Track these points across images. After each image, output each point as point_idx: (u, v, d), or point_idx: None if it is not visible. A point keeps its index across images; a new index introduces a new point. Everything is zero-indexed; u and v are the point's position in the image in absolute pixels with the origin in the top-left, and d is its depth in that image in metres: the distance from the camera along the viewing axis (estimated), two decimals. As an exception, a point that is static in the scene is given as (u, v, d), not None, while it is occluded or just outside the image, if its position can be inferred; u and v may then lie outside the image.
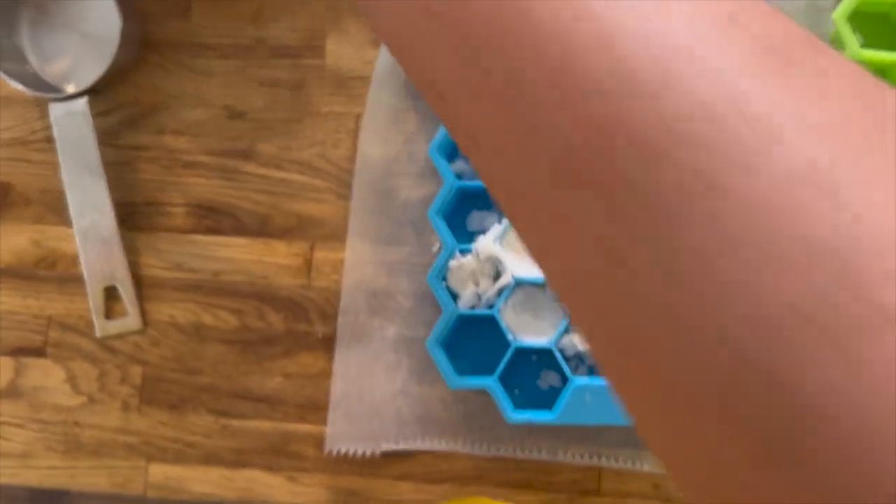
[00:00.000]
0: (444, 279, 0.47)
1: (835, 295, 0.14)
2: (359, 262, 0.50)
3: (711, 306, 0.14)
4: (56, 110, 0.50)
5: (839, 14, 0.46)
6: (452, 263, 0.47)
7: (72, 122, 0.49)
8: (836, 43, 0.48)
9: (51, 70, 0.52)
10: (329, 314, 0.50)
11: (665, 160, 0.15)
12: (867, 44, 0.47)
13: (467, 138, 0.18)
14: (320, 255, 0.50)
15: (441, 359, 0.46)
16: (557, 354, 0.45)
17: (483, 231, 0.48)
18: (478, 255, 0.47)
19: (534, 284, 0.46)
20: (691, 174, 0.15)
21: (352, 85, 0.51)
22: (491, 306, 0.47)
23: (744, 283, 0.14)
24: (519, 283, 0.46)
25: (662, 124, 0.15)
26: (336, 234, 0.50)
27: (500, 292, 0.46)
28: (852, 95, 0.15)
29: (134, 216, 0.51)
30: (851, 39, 0.46)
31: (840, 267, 0.14)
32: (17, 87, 0.49)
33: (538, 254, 0.18)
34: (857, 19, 0.47)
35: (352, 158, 0.51)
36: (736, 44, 0.15)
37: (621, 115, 0.15)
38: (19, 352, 0.51)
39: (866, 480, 0.13)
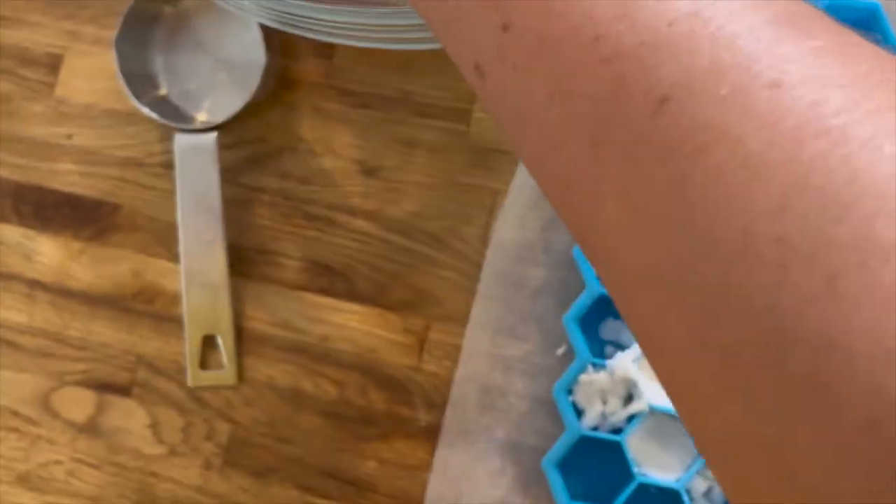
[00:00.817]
0: (570, 392, 0.43)
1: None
2: (476, 353, 0.46)
3: None
4: (181, 142, 0.46)
5: None
6: (583, 378, 0.43)
7: (196, 157, 0.46)
8: None
9: (181, 92, 0.49)
10: (435, 402, 0.46)
11: None
12: None
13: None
14: (435, 336, 0.47)
15: (556, 481, 0.42)
16: (685, 498, 0.41)
17: (616, 343, 0.45)
18: (612, 373, 0.43)
19: (667, 414, 0.42)
20: None
21: (494, 158, 0.48)
22: (616, 430, 0.43)
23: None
24: (652, 411, 0.42)
25: None
26: (454, 317, 0.47)
27: (629, 417, 0.43)
28: None
29: (243, 262, 0.48)
30: None
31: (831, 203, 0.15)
32: (149, 114, 0.46)
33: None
34: None
35: (483, 238, 0.47)
36: None
37: None
38: (104, 388, 0.48)
39: None
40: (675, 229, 0.16)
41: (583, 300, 0.43)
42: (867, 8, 0.43)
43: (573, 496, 0.43)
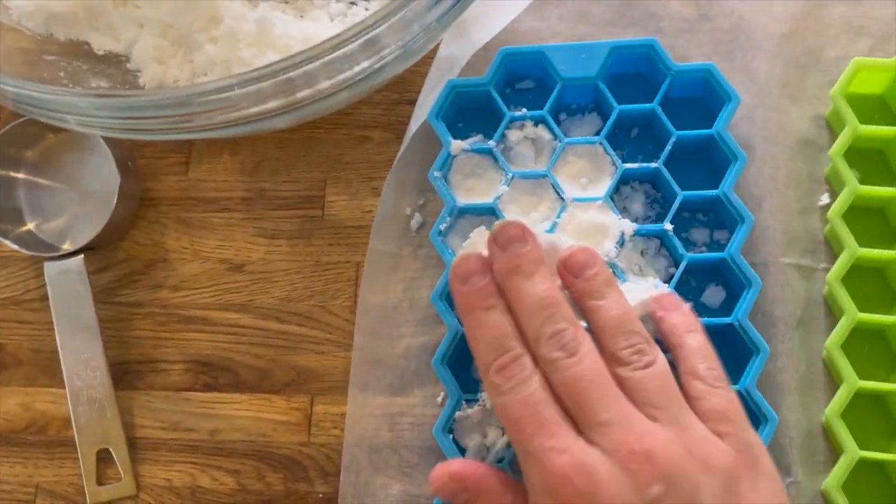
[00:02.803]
0: (451, 432, 0.45)
1: None
2: (360, 416, 0.48)
3: None
4: (50, 269, 0.49)
5: (835, 151, 0.47)
6: (458, 414, 0.45)
7: (66, 280, 0.49)
8: (833, 179, 0.48)
9: (48, 229, 0.52)
10: (330, 472, 0.48)
11: None
12: (864, 180, 0.47)
13: None
14: (320, 408, 0.49)
15: (450, 518, 0.43)
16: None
17: (489, 379, 0.47)
18: (485, 405, 0.45)
19: (544, 434, 0.44)
20: None
21: (351, 234, 0.51)
22: (500, 459, 0.45)
23: None
24: (528, 434, 0.44)
25: None
26: (337, 387, 0.49)
27: (509, 444, 0.44)
28: None
29: (129, 375, 0.50)
30: (849, 175, 0.46)
31: None
32: (12, 246, 0.49)
33: None
34: (853, 155, 0.47)
35: (352, 308, 0.50)
36: None
37: None
38: (4, 523, 0.48)
39: None
40: None
41: (445, 342, 0.46)
42: (645, 44, 0.49)
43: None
